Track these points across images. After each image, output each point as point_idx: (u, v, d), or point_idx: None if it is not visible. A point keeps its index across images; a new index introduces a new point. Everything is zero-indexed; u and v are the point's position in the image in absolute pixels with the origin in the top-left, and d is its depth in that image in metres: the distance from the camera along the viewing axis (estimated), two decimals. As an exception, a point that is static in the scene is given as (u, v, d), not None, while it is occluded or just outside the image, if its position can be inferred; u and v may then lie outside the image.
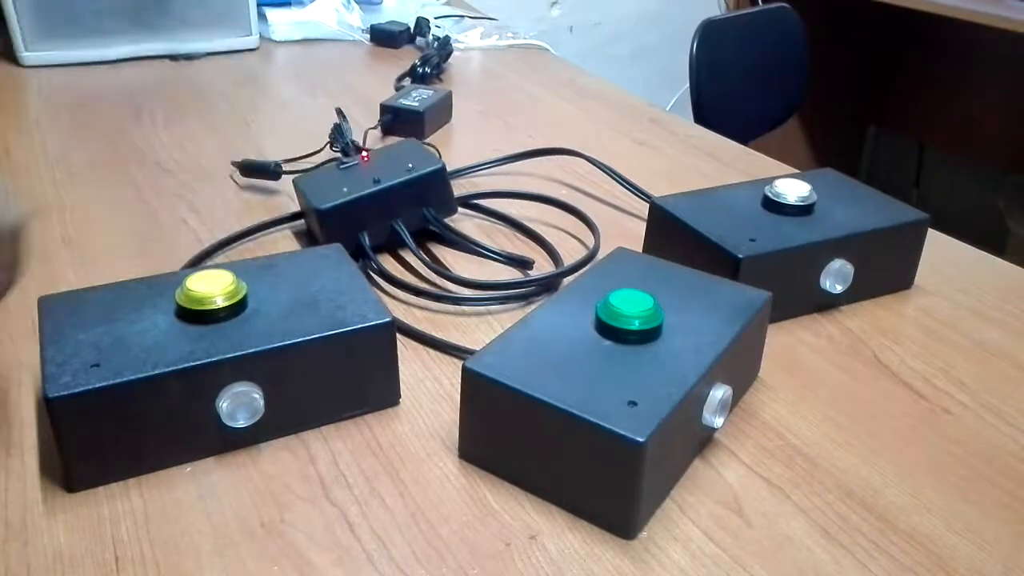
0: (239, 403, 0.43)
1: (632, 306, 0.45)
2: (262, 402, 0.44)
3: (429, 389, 0.50)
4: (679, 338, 0.45)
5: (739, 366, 0.49)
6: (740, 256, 0.54)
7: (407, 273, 0.63)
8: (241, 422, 0.43)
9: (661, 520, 0.42)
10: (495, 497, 0.43)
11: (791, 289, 0.57)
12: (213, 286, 0.45)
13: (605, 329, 0.45)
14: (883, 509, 0.43)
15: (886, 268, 0.61)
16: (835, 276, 0.57)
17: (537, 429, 0.41)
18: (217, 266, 0.48)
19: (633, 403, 0.40)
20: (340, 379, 0.46)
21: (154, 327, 0.44)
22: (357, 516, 0.41)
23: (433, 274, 0.62)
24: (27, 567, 0.38)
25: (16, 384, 0.49)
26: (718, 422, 0.44)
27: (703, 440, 0.46)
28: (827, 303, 0.59)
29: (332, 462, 0.45)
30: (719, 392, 0.44)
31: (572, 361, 0.43)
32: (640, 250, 0.62)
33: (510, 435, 0.43)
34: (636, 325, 0.44)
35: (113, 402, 0.41)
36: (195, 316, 0.45)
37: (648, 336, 0.45)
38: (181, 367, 0.42)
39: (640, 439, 0.38)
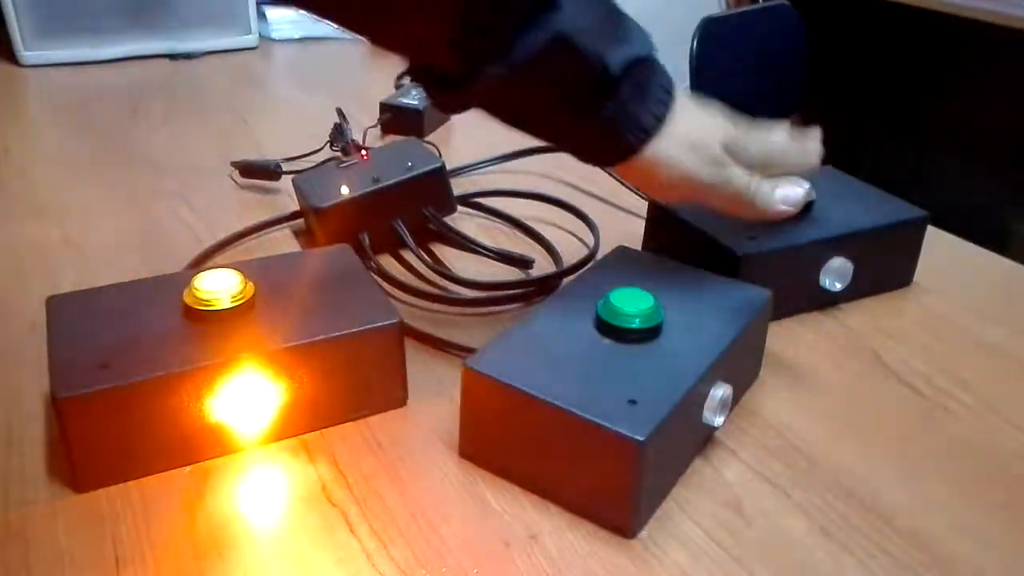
0: (248, 404, 0.43)
1: (632, 304, 0.45)
2: (270, 403, 0.44)
3: (429, 389, 0.50)
4: (679, 337, 0.45)
5: (740, 364, 0.49)
6: (739, 254, 0.54)
7: (407, 273, 0.62)
8: (250, 423, 0.43)
9: (661, 520, 0.42)
10: (495, 497, 0.43)
11: (791, 287, 0.57)
12: (221, 286, 0.45)
13: (605, 328, 0.45)
14: (883, 509, 0.43)
15: (886, 266, 0.61)
16: (835, 274, 0.57)
17: (537, 428, 0.41)
18: (224, 266, 0.48)
19: (633, 402, 0.40)
20: (348, 380, 0.46)
21: (162, 327, 0.44)
22: (357, 516, 0.41)
23: (433, 274, 0.62)
24: (27, 567, 0.38)
25: (16, 384, 0.49)
26: (718, 421, 0.44)
27: (703, 439, 0.46)
28: (827, 301, 0.59)
29: (332, 462, 0.45)
30: (719, 391, 0.44)
31: (572, 360, 0.43)
32: (640, 248, 0.61)
33: (510, 434, 0.43)
34: (636, 324, 0.44)
35: (121, 403, 0.41)
36: (203, 316, 0.45)
37: (648, 335, 0.45)
38: (189, 368, 0.42)
39: (640, 438, 0.38)
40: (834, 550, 0.40)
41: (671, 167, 0.49)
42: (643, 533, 0.41)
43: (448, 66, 0.45)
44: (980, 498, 0.44)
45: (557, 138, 0.50)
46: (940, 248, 0.67)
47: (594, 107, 0.46)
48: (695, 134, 0.49)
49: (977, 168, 2.35)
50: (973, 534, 0.42)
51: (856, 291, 0.59)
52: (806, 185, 0.54)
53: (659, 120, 0.47)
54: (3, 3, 1.00)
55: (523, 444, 0.43)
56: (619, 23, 0.47)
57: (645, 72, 0.47)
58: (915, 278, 0.63)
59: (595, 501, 0.41)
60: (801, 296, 0.58)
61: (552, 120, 0.48)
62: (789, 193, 0.53)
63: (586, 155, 0.51)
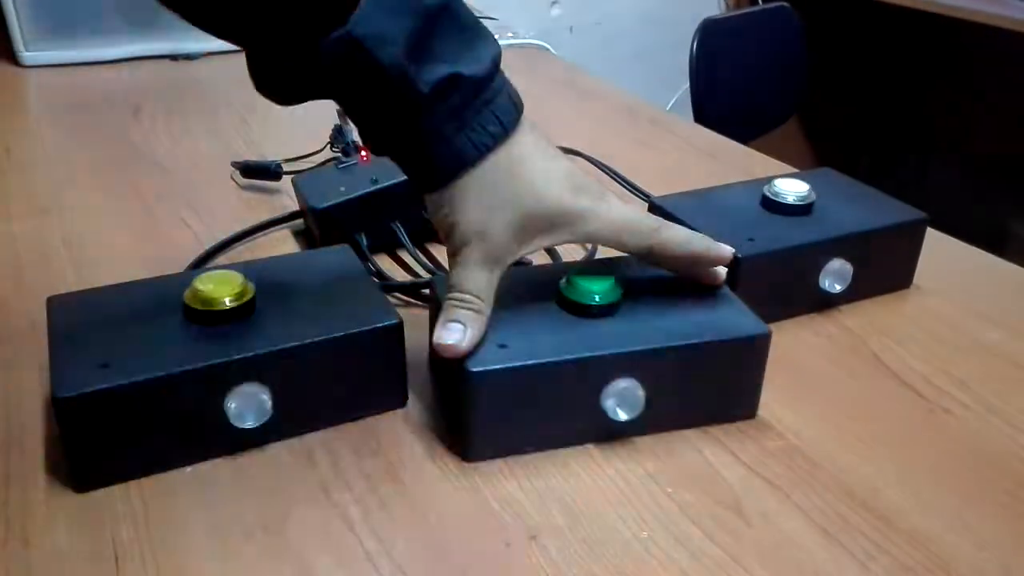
0: (247, 404, 0.43)
1: (589, 284, 0.47)
2: (270, 403, 0.44)
3: (429, 389, 0.50)
4: (625, 327, 0.46)
5: (691, 386, 0.47)
6: (739, 256, 0.54)
7: (406, 274, 0.62)
8: (248, 423, 0.43)
9: (661, 520, 0.42)
10: (495, 497, 0.43)
11: (790, 289, 0.57)
12: (221, 287, 0.45)
13: (563, 302, 0.47)
14: (883, 509, 0.43)
15: (885, 267, 0.61)
16: (834, 275, 0.57)
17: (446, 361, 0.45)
18: (225, 267, 0.48)
19: (503, 346, 0.44)
20: (348, 381, 0.46)
21: (163, 328, 0.44)
22: (357, 516, 0.41)
23: (430, 275, 0.62)
24: (28, 567, 0.38)
25: (16, 384, 0.49)
26: (622, 415, 0.44)
27: (604, 428, 0.46)
28: (827, 303, 0.59)
29: (332, 462, 0.45)
30: (623, 384, 0.44)
31: (522, 320, 0.46)
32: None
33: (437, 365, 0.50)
34: (596, 300, 0.46)
35: (122, 403, 0.41)
36: (204, 317, 0.45)
37: (601, 312, 0.46)
38: (190, 368, 0.42)
39: (474, 369, 0.42)
40: (834, 550, 0.40)
41: (458, 211, 0.43)
42: (644, 534, 0.41)
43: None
44: (980, 498, 0.44)
45: (392, 153, 0.45)
46: (939, 250, 0.67)
47: (410, 126, 0.42)
48: (516, 186, 0.43)
49: (976, 170, 2.35)
50: (973, 534, 0.42)
51: (856, 293, 0.59)
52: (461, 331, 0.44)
53: (480, 151, 0.42)
54: (3, 3, 1.00)
55: (440, 371, 0.49)
56: (450, 34, 0.41)
57: (469, 92, 0.41)
58: (914, 280, 0.63)
59: (452, 426, 0.46)
60: (801, 298, 0.58)
61: (379, 132, 0.44)
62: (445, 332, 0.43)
63: (414, 180, 0.45)
